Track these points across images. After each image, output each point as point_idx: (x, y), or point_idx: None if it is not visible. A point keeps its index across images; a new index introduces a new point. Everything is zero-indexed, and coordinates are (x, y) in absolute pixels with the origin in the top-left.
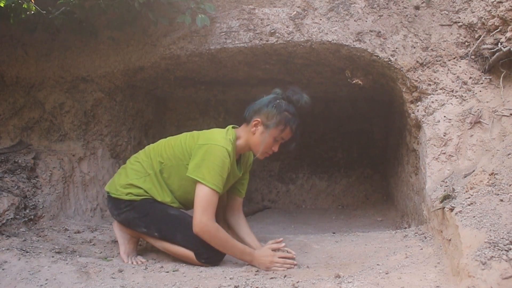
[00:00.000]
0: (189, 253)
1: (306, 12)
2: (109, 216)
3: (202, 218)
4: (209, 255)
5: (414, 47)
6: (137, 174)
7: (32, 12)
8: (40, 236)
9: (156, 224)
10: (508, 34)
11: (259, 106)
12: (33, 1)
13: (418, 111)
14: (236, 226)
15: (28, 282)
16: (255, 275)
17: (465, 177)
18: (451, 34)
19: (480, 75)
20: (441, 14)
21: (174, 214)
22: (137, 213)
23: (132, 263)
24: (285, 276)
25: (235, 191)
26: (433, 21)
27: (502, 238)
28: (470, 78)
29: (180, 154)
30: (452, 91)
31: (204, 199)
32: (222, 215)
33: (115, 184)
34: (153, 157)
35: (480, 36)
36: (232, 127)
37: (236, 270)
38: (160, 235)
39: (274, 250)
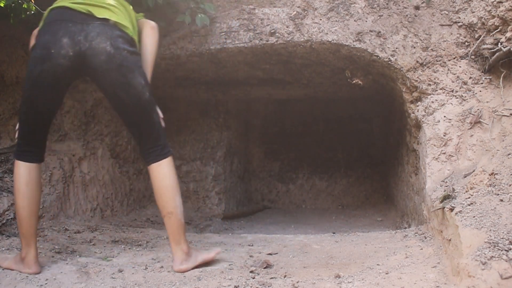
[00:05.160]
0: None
1: (306, 12)
2: (109, 216)
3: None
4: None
5: (414, 47)
6: None
7: (32, 12)
8: (40, 236)
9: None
10: (508, 34)
11: None
12: (33, 1)
13: (418, 111)
14: None
15: (28, 282)
16: (254, 278)
17: (465, 177)
18: (451, 34)
19: (480, 75)
20: (441, 14)
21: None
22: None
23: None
24: (285, 276)
25: None
26: (433, 21)
27: (502, 238)
28: (470, 78)
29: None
30: (452, 91)
31: None
32: None
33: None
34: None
35: (480, 36)
36: None
37: (236, 270)
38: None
39: None
